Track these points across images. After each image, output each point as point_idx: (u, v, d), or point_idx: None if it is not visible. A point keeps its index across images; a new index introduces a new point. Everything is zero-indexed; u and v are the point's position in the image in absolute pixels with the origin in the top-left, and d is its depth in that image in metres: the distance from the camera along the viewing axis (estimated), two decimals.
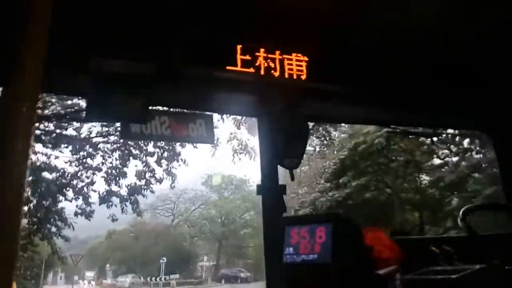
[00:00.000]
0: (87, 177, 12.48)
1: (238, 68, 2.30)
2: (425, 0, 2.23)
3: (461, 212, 2.08)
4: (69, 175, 12.19)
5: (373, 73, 2.63)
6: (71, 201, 12.51)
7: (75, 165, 12.36)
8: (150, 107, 2.35)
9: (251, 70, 2.33)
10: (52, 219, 12.50)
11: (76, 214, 12.63)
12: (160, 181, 12.57)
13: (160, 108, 2.71)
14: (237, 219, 39.59)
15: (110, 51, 2.03)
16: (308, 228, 1.76)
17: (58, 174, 12.08)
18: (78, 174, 12.34)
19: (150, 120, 2.36)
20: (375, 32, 2.45)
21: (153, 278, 37.39)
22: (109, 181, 12.38)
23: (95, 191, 12.62)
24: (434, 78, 2.81)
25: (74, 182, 12.37)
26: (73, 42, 1.92)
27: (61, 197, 12.22)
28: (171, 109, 2.55)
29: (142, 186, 12.70)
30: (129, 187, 12.56)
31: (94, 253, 46.28)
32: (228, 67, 2.28)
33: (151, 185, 12.73)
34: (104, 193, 12.39)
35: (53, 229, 12.76)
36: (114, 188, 12.48)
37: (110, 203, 12.48)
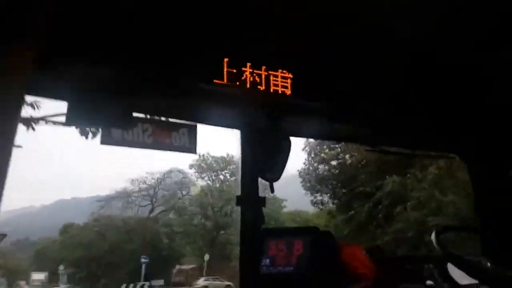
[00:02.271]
0: None
1: (225, 81, 2.34)
2: (411, 25, 2.34)
3: (433, 233, 2.14)
4: None
5: (356, 92, 2.72)
6: None
7: None
8: (133, 114, 2.35)
9: (237, 83, 2.37)
10: None
11: None
12: None
13: (144, 115, 2.70)
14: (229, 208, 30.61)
15: (93, 55, 2.03)
16: (286, 240, 1.78)
17: None
18: None
19: (132, 127, 2.35)
20: (358, 50, 2.55)
21: (130, 285, 27.99)
22: None
23: None
24: (412, 100, 2.92)
25: None
26: (54, 45, 1.91)
27: None
28: (155, 117, 2.55)
29: None
30: None
31: (45, 252, 35.74)
32: (214, 80, 2.31)
33: None
34: None
35: None
36: None
37: None
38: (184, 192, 35.27)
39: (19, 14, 1.22)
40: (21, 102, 1.19)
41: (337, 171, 24.53)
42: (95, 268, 31.72)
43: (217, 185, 32.71)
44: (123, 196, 34.60)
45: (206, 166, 32.99)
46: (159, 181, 35.31)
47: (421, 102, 2.97)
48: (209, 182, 33.60)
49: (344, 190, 24.15)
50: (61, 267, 31.76)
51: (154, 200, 35.78)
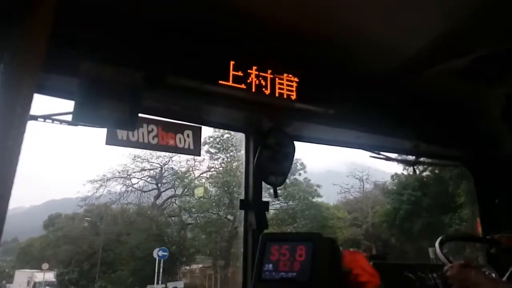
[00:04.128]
0: None
1: (230, 83, 2.34)
2: (418, 31, 2.33)
3: (437, 242, 2.12)
4: None
5: (360, 98, 2.71)
6: None
7: None
8: (139, 114, 2.35)
9: (243, 86, 2.37)
10: None
11: None
12: None
13: (149, 116, 2.70)
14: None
15: (100, 56, 2.03)
16: (289, 245, 1.76)
17: None
18: None
19: (138, 128, 2.35)
20: (365, 59, 2.54)
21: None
22: None
23: None
24: (418, 108, 2.91)
25: None
26: (62, 45, 1.92)
27: None
28: (160, 118, 2.55)
29: None
30: None
31: (28, 250, 31.11)
32: (220, 81, 2.31)
33: None
34: None
35: None
36: None
37: None
38: (197, 173, 28.05)
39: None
40: (31, 100, 1.18)
41: None
42: (88, 267, 25.99)
43: (236, 163, 25.77)
44: (123, 177, 27.19)
45: (221, 144, 26.24)
46: (166, 160, 27.96)
47: (425, 109, 2.96)
48: (223, 163, 26.50)
49: None
50: (45, 267, 26.63)
51: (160, 184, 28.85)
